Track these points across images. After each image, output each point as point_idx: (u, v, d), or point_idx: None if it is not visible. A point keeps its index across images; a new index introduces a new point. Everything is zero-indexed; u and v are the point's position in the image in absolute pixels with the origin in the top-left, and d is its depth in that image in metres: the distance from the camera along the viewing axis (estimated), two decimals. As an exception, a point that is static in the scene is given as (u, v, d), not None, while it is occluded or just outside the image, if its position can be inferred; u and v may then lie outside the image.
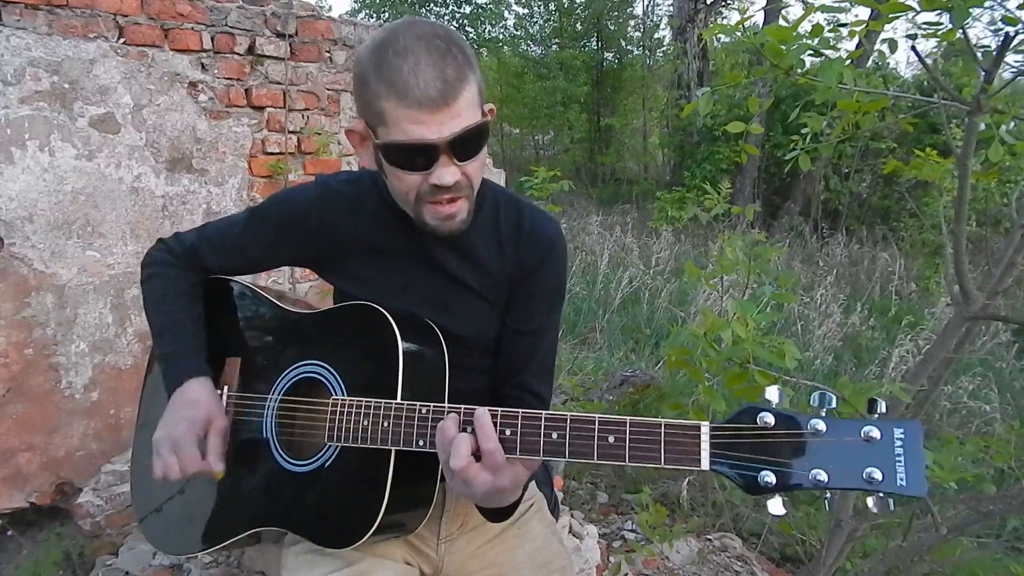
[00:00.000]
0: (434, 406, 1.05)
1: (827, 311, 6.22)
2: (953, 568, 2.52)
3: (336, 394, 1.16)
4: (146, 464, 1.42)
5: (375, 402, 1.09)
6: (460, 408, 1.01)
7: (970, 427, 4.24)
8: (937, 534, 1.94)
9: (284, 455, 1.22)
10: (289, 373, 1.24)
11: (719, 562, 2.73)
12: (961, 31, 1.42)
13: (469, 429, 0.98)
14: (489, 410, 0.99)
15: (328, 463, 1.16)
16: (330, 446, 1.15)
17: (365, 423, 1.09)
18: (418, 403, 1.06)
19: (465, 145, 1.03)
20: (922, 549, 2.08)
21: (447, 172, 1.04)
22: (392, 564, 1.24)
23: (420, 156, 1.03)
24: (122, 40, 2.51)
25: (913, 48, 1.53)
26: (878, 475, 0.81)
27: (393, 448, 1.08)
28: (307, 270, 3.10)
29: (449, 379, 1.19)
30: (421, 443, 1.05)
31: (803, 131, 2.00)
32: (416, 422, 1.06)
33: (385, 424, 1.08)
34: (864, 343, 5.97)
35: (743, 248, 2.06)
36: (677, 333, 1.78)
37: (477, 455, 0.96)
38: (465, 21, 18.88)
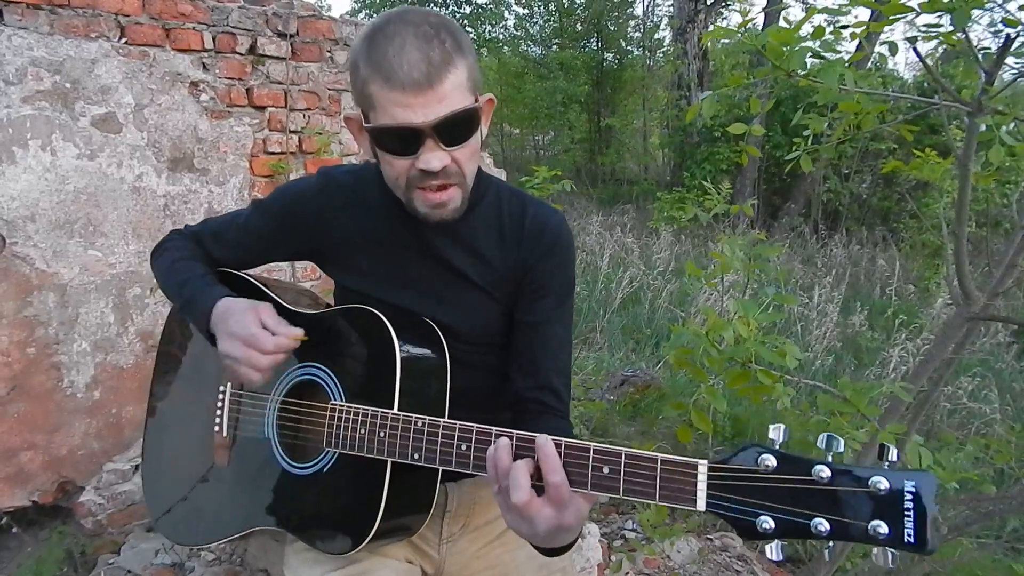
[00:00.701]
0: (429, 419, 1.04)
1: (826, 312, 6.23)
2: (953, 568, 2.53)
3: (335, 399, 1.15)
4: (158, 457, 1.43)
5: (372, 411, 1.09)
6: (491, 430, 0.98)
7: (970, 428, 4.24)
8: (937, 534, 1.95)
9: (285, 457, 1.22)
10: (289, 374, 1.24)
11: (719, 562, 2.73)
12: (962, 32, 1.42)
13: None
14: (479, 427, 0.98)
15: (327, 467, 1.16)
16: (329, 451, 1.15)
17: (362, 431, 1.09)
18: (414, 415, 1.05)
19: (452, 129, 1.03)
20: (922, 549, 2.08)
21: (434, 157, 1.03)
22: (394, 563, 1.24)
23: (406, 140, 1.02)
24: (124, 40, 2.51)
25: (914, 49, 1.54)
26: (884, 529, 0.76)
27: (389, 459, 1.07)
28: (308, 268, 3.11)
29: (452, 379, 1.18)
30: (416, 456, 1.04)
31: (804, 132, 2.00)
32: (411, 435, 1.04)
33: (381, 434, 1.07)
34: (864, 344, 5.97)
35: (743, 247, 2.06)
36: (679, 333, 1.78)
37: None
38: (465, 21, 18.87)
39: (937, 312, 6.25)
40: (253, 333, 1.10)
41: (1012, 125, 1.65)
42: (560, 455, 0.89)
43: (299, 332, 1.13)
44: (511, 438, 0.93)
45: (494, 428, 0.97)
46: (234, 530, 1.28)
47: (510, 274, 1.23)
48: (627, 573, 2.53)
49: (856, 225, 10.71)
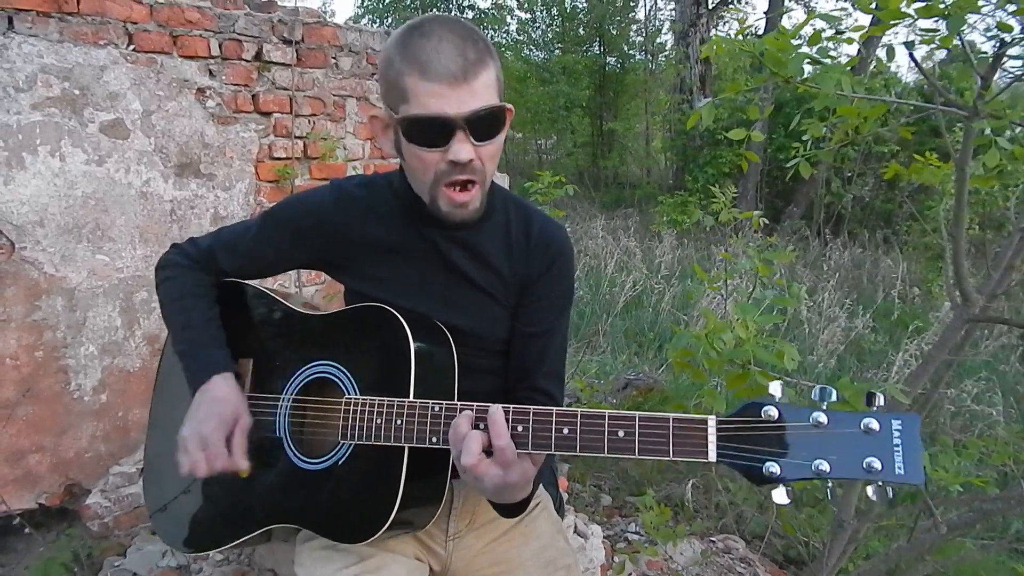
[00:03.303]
0: (447, 404, 1.08)
1: (830, 315, 6.23)
2: (956, 569, 2.54)
3: (349, 393, 1.18)
4: (159, 462, 1.44)
5: (388, 401, 1.12)
6: (473, 405, 1.04)
7: (973, 430, 4.25)
8: (937, 534, 1.96)
9: (297, 453, 1.24)
10: (301, 373, 1.27)
11: (722, 564, 2.74)
12: (958, 37, 1.44)
13: (482, 426, 1.00)
14: (502, 407, 1.01)
15: (342, 460, 1.18)
16: (343, 444, 1.18)
17: (378, 421, 1.12)
18: (431, 401, 1.09)
19: (482, 125, 1.07)
20: (923, 549, 2.10)
21: (463, 149, 1.06)
22: (403, 560, 1.26)
23: (438, 130, 1.06)
24: (132, 47, 2.54)
25: (910, 55, 1.55)
26: (877, 464, 0.84)
27: (407, 445, 1.11)
28: (313, 273, 3.13)
29: (459, 380, 1.21)
30: (434, 440, 1.08)
31: (804, 137, 2.02)
32: (429, 420, 1.08)
33: (398, 422, 1.10)
34: (867, 347, 5.98)
35: (752, 251, 2.08)
36: (680, 335, 1.80)
37: (488, 451, 0.99)
38: (468, 26, 18.90)
39: (943, 314, 6.25)
40: (214, 445, 1.17)
41: (1015, 129, 1.67)
42: (575, 421, 0.97)
43: (246, 468, 1.19)
44: (508, 412, 1.01)
45: (512, 406, 1.02)
46: (247, 531, 1.29)
47: (515, 284, 1.28)
48: (630, 574, 2.54)
49: (859, 228, 10.71)
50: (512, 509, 1.16)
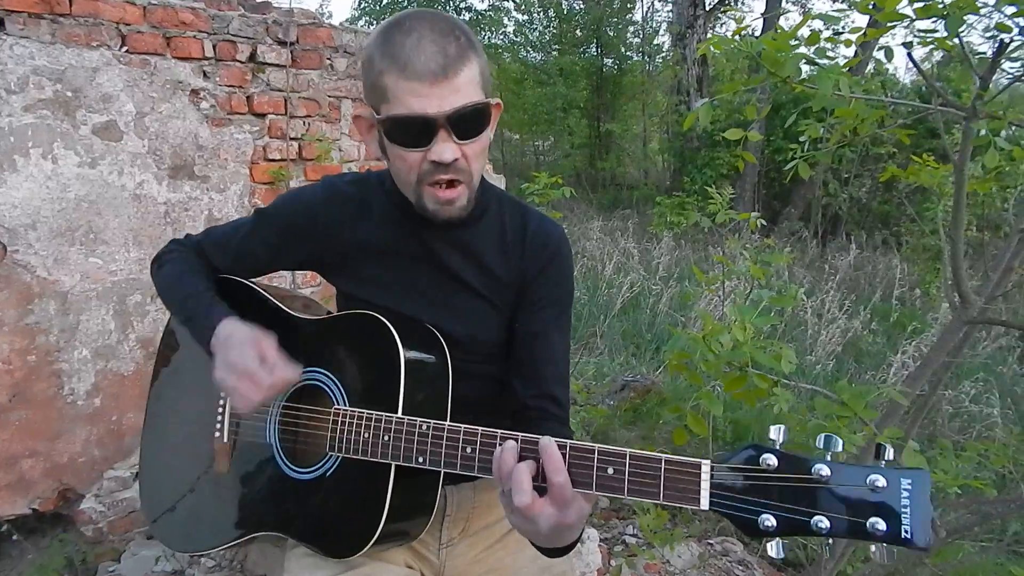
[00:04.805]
0: (434, 423, 1.04)
1: (829, 316, 6.23)
2: (954, 572, 2.53)
3: (338, 403, 1.16)
4: (155, 465, 1.43)
5: (376, 415, 1.09)
6: (479, 431, 1.00)
7: (971, 432, 4.24)
8: (936, 536, 1.95)
9: (287, 461, 1.23)
10: None
11: (720, 566, 2.73)
12: (956, 38, 1.43)
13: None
14: (484, 430, 0.98)
15: (330, 472, 1.16)
16: (332, 455, 1.16)
17: (366, 435, 1.09)
18: (419, 419, 1.06)
19: (464, 123, 1.04)
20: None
21: (446, 148, 1.04)
22: (394, 568, 1.24)
23: (419, 130, 1.03)
24: (125, 48, 2.53)
25: (909, 55, 1.55)
26: (882, 525, 0.77)
27: (394, 463, 1.08)
28: (308, 274, 3.12)
29: (453, 386, 1.18)
30: (421, 459, 1.04)
31: (801, 139, 2.01)
32: (416, 438, 1.05)
33: (385, 438, 1.07)
34: (865, 348, 5.97)
35: (749, 252, 2.07)
36: (677, 337, 1.79)
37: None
38: (465, 27, 18.90)
39: (941, 316, 6.25)
40: (251, 369, 1.09)
41: (1011, 130, 1.66)
42: (564, 456, 0.90)
43: (296, 374, 1.13)
44: (517, 440, 0.94)
45: (499, 431, 0.98)
46: (236, 536, 1.28)
47: (511, 285, 1.25)
48: (628, 578, 2.52)
49: (856, 229, 10.71)
50: (561, 551, 1.05)
